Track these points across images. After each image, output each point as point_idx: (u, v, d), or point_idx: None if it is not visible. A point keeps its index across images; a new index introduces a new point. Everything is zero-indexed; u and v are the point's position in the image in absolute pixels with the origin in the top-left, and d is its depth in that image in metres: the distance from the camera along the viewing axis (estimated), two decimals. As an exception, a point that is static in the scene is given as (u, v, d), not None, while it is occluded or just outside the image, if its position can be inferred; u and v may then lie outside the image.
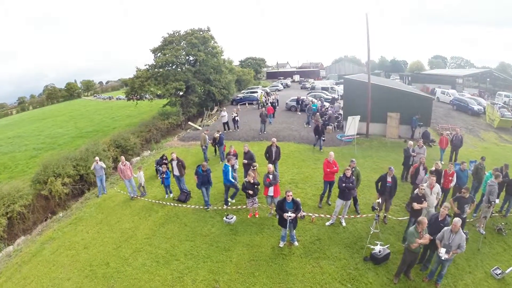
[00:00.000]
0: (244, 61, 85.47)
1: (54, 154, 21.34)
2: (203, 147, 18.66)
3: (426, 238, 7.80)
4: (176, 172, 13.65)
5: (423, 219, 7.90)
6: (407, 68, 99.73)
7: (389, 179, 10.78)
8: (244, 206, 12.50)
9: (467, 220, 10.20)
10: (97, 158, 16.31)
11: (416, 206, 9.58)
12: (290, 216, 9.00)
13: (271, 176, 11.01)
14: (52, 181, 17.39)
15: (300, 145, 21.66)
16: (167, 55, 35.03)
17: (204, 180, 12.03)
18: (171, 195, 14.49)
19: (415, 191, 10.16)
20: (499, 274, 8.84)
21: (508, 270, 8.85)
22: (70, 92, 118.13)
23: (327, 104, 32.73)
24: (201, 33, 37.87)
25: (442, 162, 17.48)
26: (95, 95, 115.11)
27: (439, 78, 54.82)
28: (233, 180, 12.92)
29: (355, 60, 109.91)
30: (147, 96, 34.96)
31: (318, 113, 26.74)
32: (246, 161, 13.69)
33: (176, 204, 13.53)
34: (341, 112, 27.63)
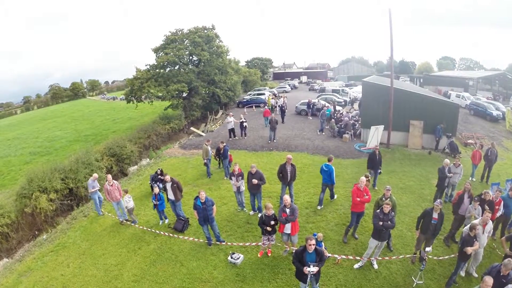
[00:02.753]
0: (251, 61, 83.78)
1: (42, 164, 19.60)
2: (205, 160, 16.50)
3: None
4: (171, 196, 11.46)
5: (489, 279, 6.13)
6: (415, 69, 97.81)
7: (435, 215, 8.67)
8: (253, 243, 10.28)
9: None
10: (95, 174, 14.40)
11: (469, 251, 7.76)
12: (312, 272, 6.88)
13: (288, 210, 8.79)
14: (37, 197, 15.53)
15: (315, 156, 19.48)
16: (169, 55, 33.08)
17: (204, 215, 9.71)
18: (166, 221, 12.33)
19: (465, 230, 8.22)
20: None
21: None
22: (75, 92, 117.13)
23: (340, 108, 30.81)
24: (205, 31, 35.92)
25: (474, 179, 15.76)
26: (103, 93, 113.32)
27: (451, 80, 53.09)
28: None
29: (363, 61, 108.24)
30: (148, 97, 33.04)
31: (333, 120, 24.70)
32: (256, 181, 11.33)
33: (171, 234, 11.33)
34: (357, 118, 25.69)
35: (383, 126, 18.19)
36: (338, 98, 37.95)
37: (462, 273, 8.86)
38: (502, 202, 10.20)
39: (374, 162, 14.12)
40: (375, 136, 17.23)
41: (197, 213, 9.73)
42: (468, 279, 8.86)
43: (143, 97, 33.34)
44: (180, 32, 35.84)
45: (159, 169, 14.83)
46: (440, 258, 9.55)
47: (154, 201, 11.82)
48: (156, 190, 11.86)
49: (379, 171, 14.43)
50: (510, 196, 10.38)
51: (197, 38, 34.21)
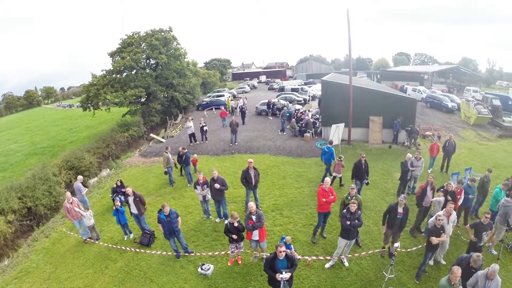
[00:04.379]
0: (209, 62, 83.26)
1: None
2: (166, 168, 15.87)
3: None
4: (134, 210, 10.86)
5: (457, 269, 6.26)
6: (372, 65, 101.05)
7: (400, 210, 8.88)
8: (223, 252, 10.00)
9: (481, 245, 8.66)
10: (80, 176, 13.98)
11: (435, 241, 8.07)
12: (284, 278, 6.76)
13: (254, 217, 8.60)
14: (-6, 219, 14.35)
15: (278, 157, 19.50)
16: (125, 59, 31.89)
17: (169, 228, 9.30)
18: (131, 235, 11.67)
19: (431, 221, 8.52)
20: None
21: None
22: (29, 101, 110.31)
23: (299, 107, 31.09)
24: (162, 33, 34.95)
25: (431, 169, 16.51)
26: (59, 102, 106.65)
27: (407, 75, 55.35)
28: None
29: (321, 59, 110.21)
30: (106, 104, 31.67)
31: (293, 119, 24.79)
32: (218, 185, 11.03)
33: (137, 250, 10.72)
34: (318, 116, 25.94)
35: (344, 123, 18.55)
36: (298, 96, 38.37)
37: (431, 262, 9.19)
38: (463, 191, 10.77)
39: (359, 172, 12.72)
40: (336, 133, 17.51)
41: (162, 226, 9.30)
42: (437, 267, 9.21)
43: (100, 104, 31.99)
44: (137, 35, 34.70)
45: (118, 180, 14.08)
46: (408, 250, 9.84)
47: (115, 213, 11.18)
48: (118, 203, 11.23)
49: (366, 181, 13.22)
50: (470, 185, 10.97)
51: (154, 40, 33.28)
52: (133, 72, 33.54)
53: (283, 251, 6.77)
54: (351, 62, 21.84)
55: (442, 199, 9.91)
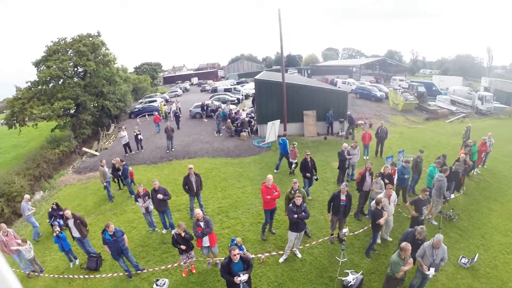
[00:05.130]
0: (139, 67, 79.72)
1: None
2: (105, 183, 14.92)
3: (410, 263, 7.10)
4: (76, 234, 10.04)
5: (407, 245, 6.92)
6: (302, 61, 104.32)
7: (343, 197, 9.44)
8: (175, 264, 9.67)
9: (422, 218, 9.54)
10: (27, 195, 12.95)
11: (381, 222, 8.86)
12: (243, 280, 6.80)
13: (202, 224, 8.45)
14: None
15: (216, 159, 19.41)
16: (51, 68, 29.51)
17: (117, 247, 8.74)
18: (77, 261, 10.72)
19: (373, 204, 9.20)
20: (467, 263, 8.98)
21: (476, 257, 9.04)
22: None
23: (233, 107, 31.38)
24: (90, 39, 32.87)
25: (366, 157, 17.56)
26: None
27: (336, 68, 58.33)
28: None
29: (252, 58, 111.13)
30: (32, 119, 29.09)
31: (229, 120, 24.93)
32: (161, 196, 10.68)
33: (86, 276, 9.85)
34: (253, 115, 26.32)
35: (279, 120, 19.05)
36: (231, 97, 38.52)
37: (378, 240, 9.93)
38: (396, 172, 12.02)
39: (307, 169, 12.91)
40: (272, 130, 18.02)
41: (108, 247, 8.72)
42: (384, 244, 10.05)
43: (26, 119, 29.32)
44: (63, 42, 32.24)
45: (54, 203, 12.98)
46: (356, 232, 10.55)
47: (56, 240, 10.29)
48: (57, 229, 10.21)
49: (315, 177, 13.23)
50: (405, 166, 12.06)
51: (82, 47, 31.19)
52: (60, 82, 31.09)
53: (237, 254, 6.80)
54: (283, 60, 22.41)
55: (381, 194, 10.41)
